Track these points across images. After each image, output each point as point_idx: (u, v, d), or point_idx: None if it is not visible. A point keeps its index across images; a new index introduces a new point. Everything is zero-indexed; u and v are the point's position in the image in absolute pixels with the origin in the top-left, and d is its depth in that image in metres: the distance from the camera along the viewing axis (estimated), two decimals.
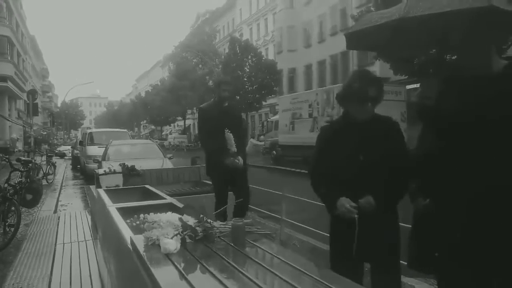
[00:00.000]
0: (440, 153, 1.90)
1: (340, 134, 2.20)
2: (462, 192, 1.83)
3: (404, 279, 3.42)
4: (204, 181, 6.04)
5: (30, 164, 7.36)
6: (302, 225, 5.02)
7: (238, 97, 29.30)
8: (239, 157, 4.15)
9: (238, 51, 32.15)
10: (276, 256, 1.61)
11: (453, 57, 2.45)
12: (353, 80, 2.17)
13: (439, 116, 1.94)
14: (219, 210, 2.54)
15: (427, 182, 2.11)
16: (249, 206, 5.99)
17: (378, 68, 21.46)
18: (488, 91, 1.79)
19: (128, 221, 2.16)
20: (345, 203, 2.06)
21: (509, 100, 1.75)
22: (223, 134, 4.00)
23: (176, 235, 1.71)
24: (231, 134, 4.00)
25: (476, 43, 1.86)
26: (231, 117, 4.33)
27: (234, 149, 4.01)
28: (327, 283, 1.30)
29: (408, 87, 16.78)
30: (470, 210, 1.82)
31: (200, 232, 1.78)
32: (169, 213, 2.04)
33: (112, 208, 2.67)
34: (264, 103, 31.85)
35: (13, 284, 3.74)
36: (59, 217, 6.76)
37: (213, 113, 4.35)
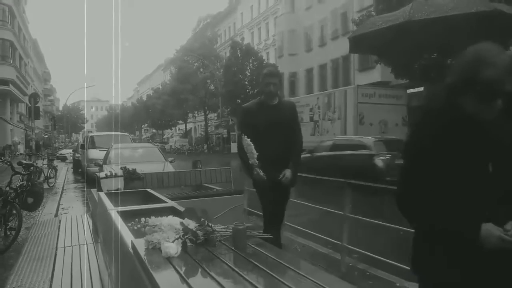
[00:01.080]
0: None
1: (450, 135, 1.46)
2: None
3: (406, 284, 3.41)
4: (205, 184, 6.03)
5: (32, 168, 7.37)
6: (303, 229, 5.01)
7: (239, 101, 29.36)
8: (288, 171, 3.33)
9: (239, 55, 32.29)
10: (277, 260, 1.61)
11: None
12: (481, 65, 1.43)
13: None
14: (218, 215, 2.48)
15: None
16: (251, 210, 5.96)
17: (379, 72, 21.53)
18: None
19: (129, 224, 2.16)
20: (496, 231, 1.37)
21: None
22: (270, 138, 3.29)
23: (177, 238, 1.71)
24: (249, 141, 3.22)
25: None
26: (281, 118, 3.40)
27: (254, 161, 3.23)
28: (328, 287, 1.30)
29: (409, 91, 16.80)
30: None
31: (201, 236, 1.77)
32: (170, 216, 2.03)
33: (113, 211, 2.67)
34: None
35: None
36: (60, 221, 6.75)
37: (253, 112, 3.46)
